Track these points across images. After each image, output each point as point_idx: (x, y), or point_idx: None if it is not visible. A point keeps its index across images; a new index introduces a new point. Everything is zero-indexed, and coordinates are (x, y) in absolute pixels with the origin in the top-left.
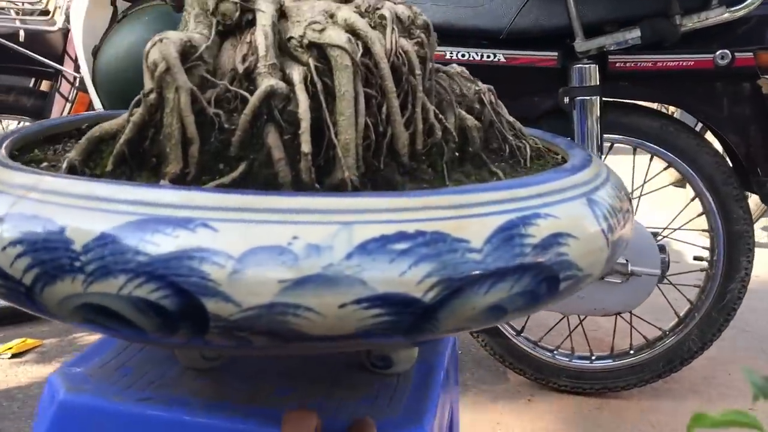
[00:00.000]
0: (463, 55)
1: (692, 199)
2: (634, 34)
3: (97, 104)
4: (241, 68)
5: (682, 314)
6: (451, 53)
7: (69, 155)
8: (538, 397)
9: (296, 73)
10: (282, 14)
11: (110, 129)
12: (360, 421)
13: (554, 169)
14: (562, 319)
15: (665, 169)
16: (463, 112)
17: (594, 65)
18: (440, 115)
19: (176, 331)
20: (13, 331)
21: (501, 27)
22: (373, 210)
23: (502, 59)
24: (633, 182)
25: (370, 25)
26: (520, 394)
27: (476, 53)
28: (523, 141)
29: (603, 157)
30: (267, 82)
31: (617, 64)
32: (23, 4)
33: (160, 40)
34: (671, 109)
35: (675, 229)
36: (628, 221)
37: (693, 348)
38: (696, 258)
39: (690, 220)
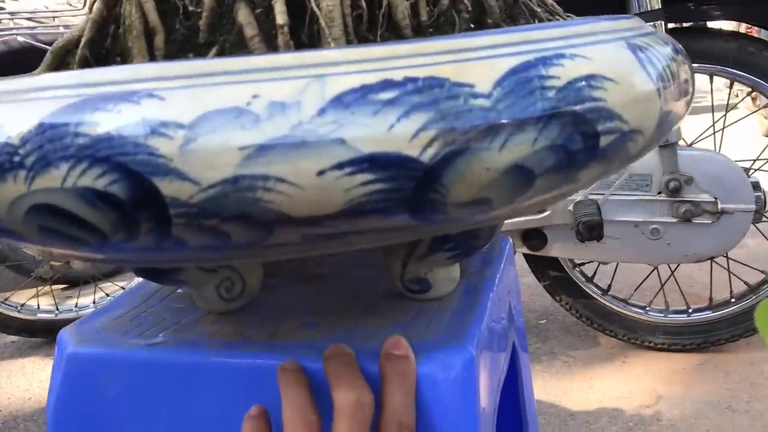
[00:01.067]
0: None
1: None
2: None
3: None
4: None
5: None
6: None
7: (36, 70)
8: (633, 359)
9: None
10: None
11: (72, 37)
12: (391, 341)
13: (584, 18)
14: (651, 272)
15: (749, 94)
16: None
17: None
18: None
19: (138, 228)
20: None
21: None
22: (352, 61)
23: None
24: (713, 114)
25: None
26: (613, 356)
27: None
28: (557, 17)
29: None
30: None
31: None
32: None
33: None
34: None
35: (766, 161)
36: (686, 86)
37: None
38: None
39: None
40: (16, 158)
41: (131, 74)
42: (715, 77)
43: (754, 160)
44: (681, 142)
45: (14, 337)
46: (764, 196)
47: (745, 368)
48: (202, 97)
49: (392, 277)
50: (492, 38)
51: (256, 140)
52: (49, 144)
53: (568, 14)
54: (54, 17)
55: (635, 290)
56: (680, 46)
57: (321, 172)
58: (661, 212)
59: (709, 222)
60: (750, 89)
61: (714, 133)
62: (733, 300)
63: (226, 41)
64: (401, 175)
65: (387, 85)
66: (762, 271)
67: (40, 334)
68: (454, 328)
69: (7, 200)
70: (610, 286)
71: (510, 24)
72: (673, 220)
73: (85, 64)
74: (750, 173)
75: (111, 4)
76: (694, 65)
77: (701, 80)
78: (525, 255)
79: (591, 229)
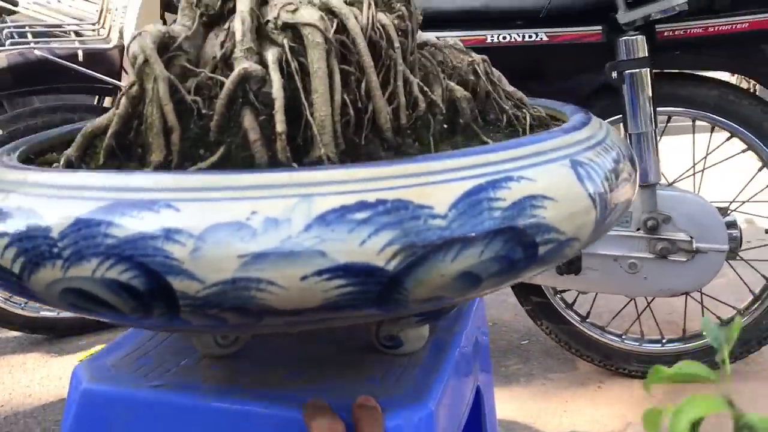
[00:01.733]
0: (504, 38)
1: (759, 170)
2: (680, 0)
3: None
4: (219, 54)
5: (757, 291)
6: (492, 36)
7: (66, 152)
8: (608, 384)
9: (271, 54)
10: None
11: (101, 124)
12: (363, 397)
13: (536, 133)
14: (629, 302)
15: (728, 139)
16: (452, 84)
17: (641, 36)
18: (425, 88)
19: (152, 311)
20: (96, 337)
21: (540, 5)
22: (334, 182)
23: (545, 38)
24: (694, 155)
25: (346, 2)
26: (589, 381)
27: (518, 34)
28: (524, 110)
29: (659, 131)
30: (241, 65)
31: (665, 33)
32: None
33: (139, 34)
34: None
35: (743, 202)
36: (627, 184)
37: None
38: None
39: (759, 192)
40: (55, 249)
41: (150, 183)
42: (697, 121)
43: (731, 202)
44: (663, 180)
45: (16, 333)
46: (740, 235)
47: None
48: (210, 211)
49: (369, 332)
50: (452, 162)
51: (253, 250)
52: (83, 241)
53: (536, 105)
54: (69, 31)
55: (612, 318)
56: (626, 148)
57: (304, 278)
58: (639, 248)
59: (684, 260)
60: (729, 134)
61: (694, 173)
62: (705, 333)
63: (233, 142)
64: (370, 281)
65: (362, 206)
66: (733, 307)
67: (42, 330)
68: (419, 385)
69: (45, 282)
70: (588, 313)
71: (480, 121)
72: (650, 256)
73: (110, 152)
74: (728, 213)
75: (135, 102)
76: (679, 109)
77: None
78: None
79: (569, 264)
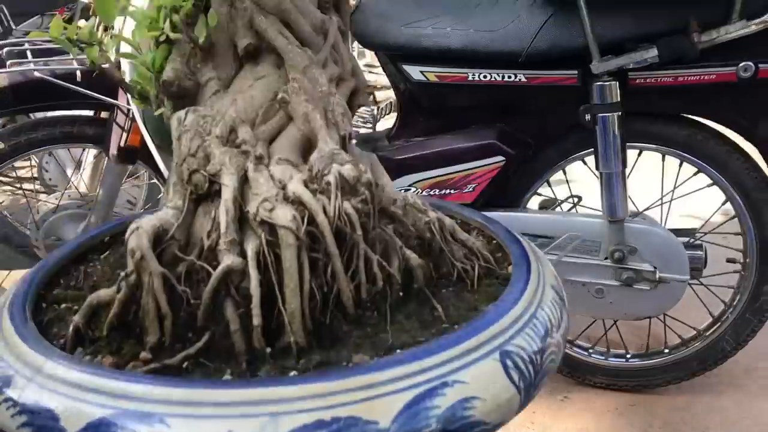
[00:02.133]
0: (484, 76)
1: (723, 203)
2: (651, 54)
3: (148, 138)
4: (206, 243)
5: (716, 314)
6: (473, 75)
7: (75, 318)
8: (574, 395)
9: (250, 248)
10: (246, 179)
11: (104, 298)
12: None
13: (472, 323)
14: (595, 320)
15: (695, 174)
16: (408, 252)
17: (614, 83)
18: (383, 263)
19: None
20: None
21: (519, 50)
22: (296, 398)
23: (523, 79)
24: (663, 187)
25: (319, 190)
26: (555, 391)
27: (497, 74)
28: (473, 260)
29: (628, 167)
30: (225, 261)
31: (637, 81)
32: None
33: (137, 229)
34: None
35: (706, 233)
36: (553, 356)
37: (727, 348)
38: (729, 260)
39: (721, 224)
40: None
41: (151, 395)
42: (666, 156)
43: (696, 230)
44: (633, 208)
45: None
46: (704, 258)
47: (670, 413)
48: (194, 427)
49: None
50: (395, 371)
51: None
52: None
53: (490, 230)
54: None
55: (580, 335)
56: (558, 302)
57: None
58: (605, 276)
59: (648, 288)
60: (696, 170)
61: (662, 204)
62: (666, 351)
63: (216, 330)
64: None
65: (320, 425)
66: (694, 328)
67: None
68: None
69: None
70: None
71: (434, 274)
72: (616, 283)
73: (113, 328)
74: (694, 238)
75: (133, 289)
76: (649, 145)
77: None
78: None
79: None
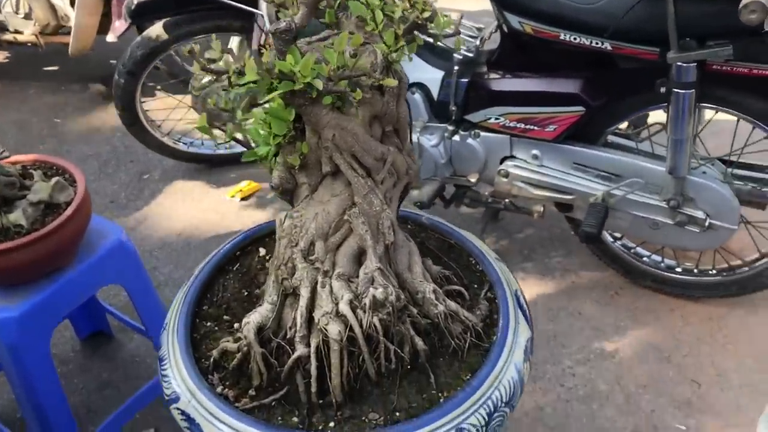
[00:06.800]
0: (574, 39)
1: None
2: (727, 52)
3: None
4: (289, 335)
5: (762, 251)
6: (564, 35)
7: (214, 354)
8: (624, 292)
9: (313, 344)
10: (316, 289)
11: (231, 348)
12: None
13: (443, 406)
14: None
15: (765, 137)
16: (417, 339)
17: (693, 65)
18: (397, 350)
19: None
20: (238, 172)
21: (607, 25)
22: None
23: (609, 48)
24: (732, 145)
25: (359, 307)
26: (609, 287)
27: (586, 39)
28: (466, 335)
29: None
30: (297, 350)
31: (714, 67)
32: None
33: (248, 323)
34: None
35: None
36: (499, 421)
37: (766, 283)
38: None
39: None
40: None
41: None
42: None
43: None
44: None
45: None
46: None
47: (702, 323)
48: None
49: None
50: None
51: None
52: None
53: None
54: None
55: (641, 244)
56: (509, 394)
57: None
58: (662, 214)
59: (698, 231)
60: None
61: (730, 156)
62: (713, 271)
63: (291, 387)
64: None
65: None
66: (740, 258)
67: (203, 162)
68: None
69: None
70: (623, 236)
71: (437, 343)
72: (670, 222)
73: (234, 371)
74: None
75: (246, 357)
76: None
77: None
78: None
79: (587, 238)
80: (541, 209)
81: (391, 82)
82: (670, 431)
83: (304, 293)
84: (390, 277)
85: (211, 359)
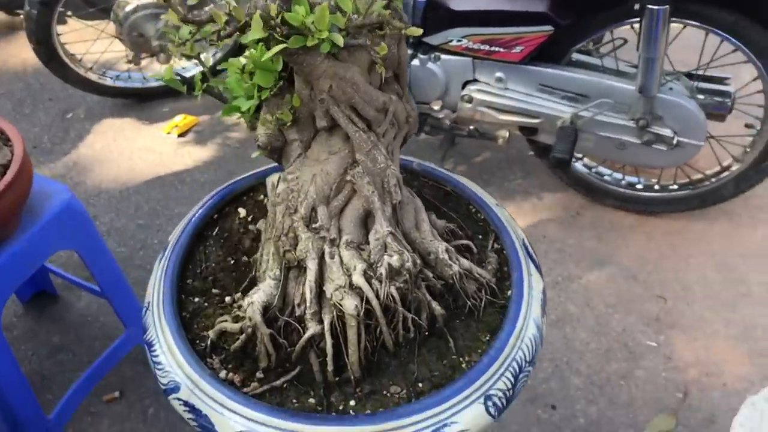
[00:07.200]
0: None
1: (753, 80)
2: None
3: None
4: (298, 312)
5: (724, 164)
6: None
7: (210, 335)
8: (586, 212)
9: (326, 320)
10: (323, 260)
11: (232, 329)
12: None
13: (468, 374)
14: None
15: (733, 51)
16: (433, 303)
17: None
18: (415, 318)
19: None
20: (171, 105)
21: None
22: None
23: None
24: (700, 60)
25: (374, 276)
26: (570, 208)
27: None
28: (481, 293)
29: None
30: (310, 329)
31: None
32: None
33: (252, 303)
34: None
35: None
36: (524, 380)
37: (726, 195)
38: (747, 125)
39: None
40: None
41: (270, 421)
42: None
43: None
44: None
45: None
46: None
47: (664, 237)
48: None
49: None
50: (413, 418)
51: None
52: None
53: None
54: None
55: (603, 162)
56: (532, 351)
57: None
58: (629, 134)
59: (665, 148)
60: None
61: (698, 71)
62: (674, 186)
63: (304, 367)
64: None
65: None
66: (701, 172)
67: (131, 97)
68: None
69: None
70: (584, 156)
71: (452, 305)
72: (637, 141)
73: (236, 352)
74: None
75: (251, 338)
76: (696, 23)
77: None
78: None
79: (558, 164)
80: (507, 135)
81: (416, 31)
82: (641, 348)
83: (311, 266)
84: (402, 241)
85: (208, 341)
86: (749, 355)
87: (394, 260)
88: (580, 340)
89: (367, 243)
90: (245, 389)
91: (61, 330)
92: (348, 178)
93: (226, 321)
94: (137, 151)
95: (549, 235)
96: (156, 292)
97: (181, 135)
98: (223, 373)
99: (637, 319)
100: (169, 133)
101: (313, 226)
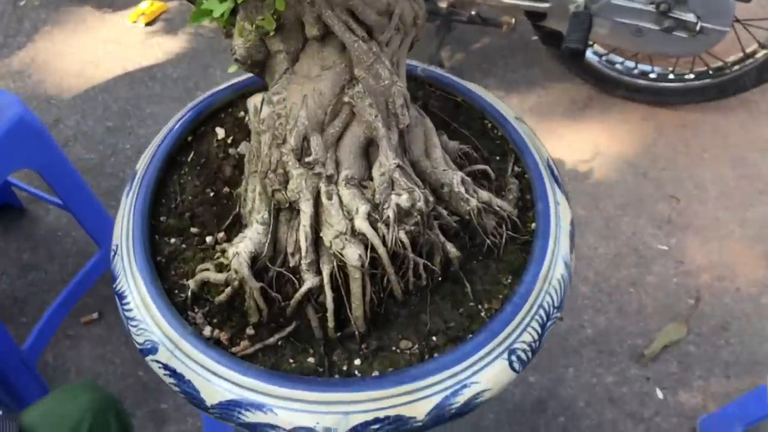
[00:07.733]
0: None
1: None
2: None
3: None
4: (291, 262)
5: (747, 51)
6: None
7: (191, 285)
8: (595, 103)
9: (326, 271)
10: (319, 200)
11: (215, 280)
12: None
13: (489, 326)
14: None
15: None
16: (448, 245)
17: None
18: (427, 264)
19: None
20: None
21: None
22: (361, 401)
23: None
24: None
25: (380, 221)
26: (577, 100)
27: None
28: (501, 229)
29: None
30: (307, 282)
31: None
32: None
33: (237, 254)
34: None
35: None
36: (553, 326)
37: (747, 84)
38: None
39: None
40: (208, 411)
41: (260, 388)
42: None
43: None
44: None
45: None
46: None
47: (676, 131)
48: (295, 417)
49: None
50: (429, 379)
51: None
52: (227, 413)
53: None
54: None
55: (611, 51)
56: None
57: None
58: (648, 19)
59: (686, 36)
60: None
61: None
62: (691, 75)
63: (301, 323)
64: None
65: (377, 421)
66: (721, 59)
67: None
68: None
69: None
70: (594, 43)
71: (468, 243)
72: (656, 27)
73: (222, 306)
74: None
75: (238, 291)
76: None
77: None
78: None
79: (572, 55)
80: (512, 21)
81: None
82: (652, 252)
83: (306, 208)
84: (412, 174)
85: (189, 291)
86: (765, 258)
87: (404, 200)
88: (588, 246)
89: (371, 178)
90: (234, 348)
91: (30, 247)
92: (345, 99)
93: (208, 269)
94: (101, 44)
95: (555, 130)
96: (125, 233)
97: (148, 24)
98: (207, 330)
99: (647, 221)
100: (135, 22)
101: (306, 159)
